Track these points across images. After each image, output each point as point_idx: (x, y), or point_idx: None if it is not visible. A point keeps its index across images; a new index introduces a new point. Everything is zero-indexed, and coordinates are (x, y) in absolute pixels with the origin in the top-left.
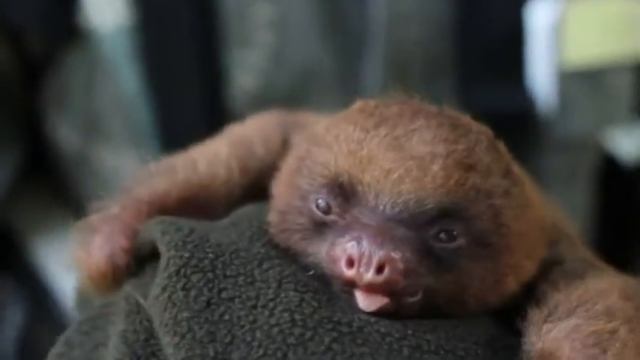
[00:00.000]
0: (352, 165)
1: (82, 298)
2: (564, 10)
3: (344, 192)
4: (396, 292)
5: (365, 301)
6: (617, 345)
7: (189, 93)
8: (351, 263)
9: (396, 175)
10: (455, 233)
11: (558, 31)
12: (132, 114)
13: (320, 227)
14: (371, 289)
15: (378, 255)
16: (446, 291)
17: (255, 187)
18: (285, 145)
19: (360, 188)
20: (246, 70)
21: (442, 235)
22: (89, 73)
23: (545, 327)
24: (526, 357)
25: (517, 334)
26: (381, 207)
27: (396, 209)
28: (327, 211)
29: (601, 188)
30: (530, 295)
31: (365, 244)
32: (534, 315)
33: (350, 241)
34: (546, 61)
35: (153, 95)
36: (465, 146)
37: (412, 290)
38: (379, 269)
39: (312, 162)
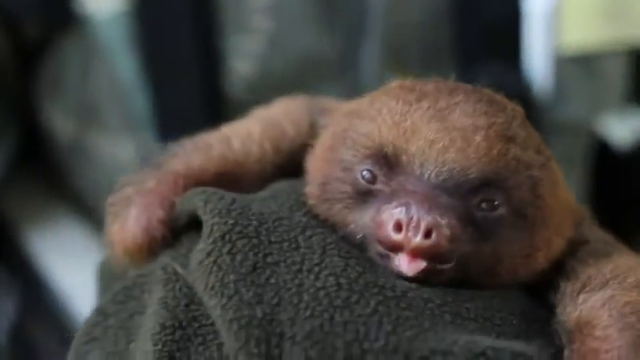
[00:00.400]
0: (397, 136)
1: (107, 272)
2: None
3: (389, 162)
4: (438, 257)
5: (406, 266)
6: None
7: (185, 79)
8: (399, 227)
9: (440, 145)
10: (496, 203)
11: (555, 16)
12: (128, 101)
13: (364, 195)
14: (416, 253)
15: (426, 220)
16: (481, 260)
17: (286, 166)
18: (312, 128)
19: (404, 158)
20: (243, 56)
21: (484, 205)
22: (85, 60)
23: (581, 297)
24: (561, 326)
25: (548, 309)
26: (427, 175)
27: (441, 178)
28: (371, 180)
29: (594, 173)
30: (558, 272)
31: (413, 209)
32: (567, 287)
33: (398, 206)
34: (543, 46)
35: (149, 82)
36: (503, 120)
37: (452, 256)
38: (427, 234)
39: (355, 134)
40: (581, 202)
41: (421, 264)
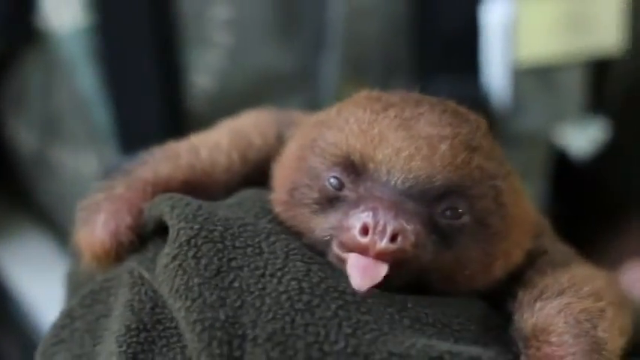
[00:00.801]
0: (364, 144)
1: (74, 281)
2: (518, 8)
3: (356, 169)
4: (402, 262)
5: (359, 280)
6: (606, 323)
7: (147, 94)
8: (365, 231)
9: (406, 152)
10: (460, 211)
11: (512, 28)
12: (90, 115)
13: (331, 201)
14: (381, 256)
15: (392, 225)
16: (442, 268)
17: (253, 176)
18: (279, 139)
19: (371, 165)
20: (204, 70)
21: (448, 212)
22: (47, 74)
23: (537, 305)
24: (518, 333)
25: (505, 317)
26: (393, 182)
27: (407, 185)
28: (339, 187)
29: (553, 184)
30: (517, 282)
31: (380, 214)
32: (525, 296)
33: (366, 210)
34: (500, 58)
35: (111, 96)
36: (467, 130)
37: (415, 262)
38: (392, 238)
39: (323, 143)
40: (541, 212)
41: (377, 277)
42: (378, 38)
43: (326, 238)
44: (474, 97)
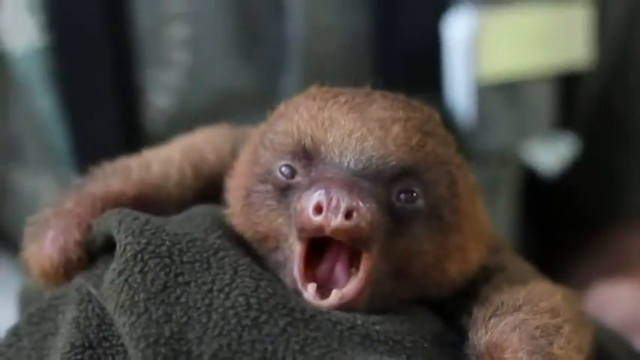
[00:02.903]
0: (314, 128)
1: (26, 299)
2: (481, 24)
3: (307, 154)
4: (358, 240)
5: (317, 299)
6: (562, 340)
7: (104, 114)
8: (319, 210)
9: (359, 134)
10: (415, 194)
11: (475, 44)
12: (48, 137)
13: (286, 191)
14: (336, 234)
15: (346, 202)
16: (394, 257)
17: (205, 192)
18: (234, 155)
19: (323, 148)
20: (162, 89)
21: (403, 195)
22: (3, 96)
23: (492, 321)
24: (472, 350)
25: (460, 334)
26: (346, 163)
27: (360, 165)
28: (291, 175)
29: (521, 200)
30: (472, 298)
31: (333, 192)
32: (480, 312)
33: (317, 190)
34: (464, 75)
35: (68, 117)
36: (420, 116)
37: (371, 243)
38: (347, 215)
39: (273, 134)
40: (509, 230)
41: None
42: (338, 56)
43: (286, 253)
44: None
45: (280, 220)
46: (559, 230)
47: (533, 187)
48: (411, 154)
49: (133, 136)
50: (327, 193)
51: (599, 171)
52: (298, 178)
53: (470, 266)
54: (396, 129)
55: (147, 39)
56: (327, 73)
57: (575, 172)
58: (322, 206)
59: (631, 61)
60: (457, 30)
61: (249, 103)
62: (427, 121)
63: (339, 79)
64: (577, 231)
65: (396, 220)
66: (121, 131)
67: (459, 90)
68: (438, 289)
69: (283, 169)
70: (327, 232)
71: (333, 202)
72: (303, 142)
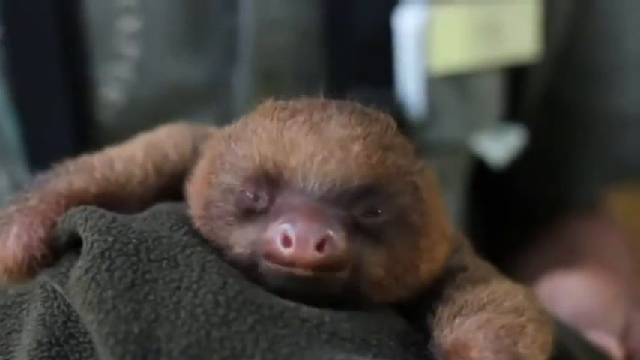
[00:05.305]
0: (275, 152)
1: None
2: (431, 16)
3: (270, 179)
4: (332, 267)
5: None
6: (527, 339)
7: (55, 108)
8: (287, 243)
9: (320, 157)
10: (380, 211)
11: (425, 36)
12: None
13: (248, 214)
14: (312, 267)
15: (315, 234)
16: (370, 269)
17: (168, 190)
18: (195, 152)
19: (286, 173)
20: (112, 83)
21: (368, 214)
22: None
23: (457, 320)
24: (437, 349)
25: (424, 333)
26: (309, 188)
27: (324, 189)
28: (254, 200)
29: (471, 192)
30: (436, 298)
31: (300, 224)
32: (444, 312)
33: (284, 222)
34: (414, 66)
35: (18, 112)
36: (378, 129)
37: (346, 265)
38: (318, 247)
39: (233, 157)
40: (459, 221)
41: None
42: (289, 49)
43: (246, 253)
44: (389, 107)
45: (241, 241)
46: (508, 222)
47: (483, 180)
48: (373, 172)
49: (83, 129)
50: (295, 226)
51: (547, 163)
52: (262, 204)
53: (437, 265)
54: (356, 148)
55: (98, 32)
56: (278, 66)
57: (523, 164)
58: (291, 239)
59: (576, 54)
60: (407, 23)
61: (200, 97)
62: (385, 134)
63: (291, 72)
64: (526, 223)
65: (366, 236)
66: (72, 125)
67: (410, 82)
68: (409, 293)
69: (247, 193)
70: (301, 266)
71: (302, 236)
72: (265, 168)
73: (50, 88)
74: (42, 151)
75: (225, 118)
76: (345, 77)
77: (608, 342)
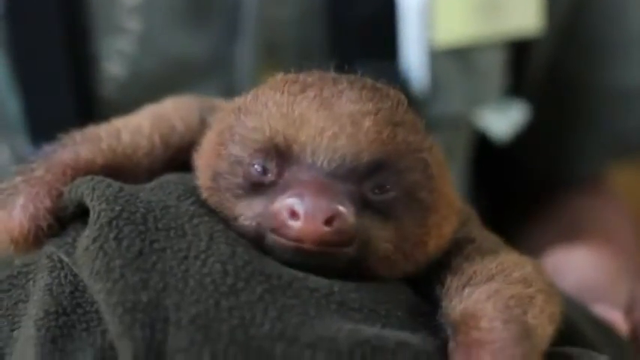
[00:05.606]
0: (286, 126)
1: None
2: None
3: (280, 153)
4: (340, 243)
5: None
6: (536, 309)
7: (57, 82)
8: (295, 217)
9: (330, 132)
10: (388, 187)
11: (428, 10)
12: (1, 105)
13: (256, 187)
14: (320, 242)
15: (325, 208)
16: (378, 244)
17: (175, 161)
18: (202, 124)
19: (295, 147)
20: (114, 57)
21: (377, 190)
22: None
23: (466, 290)
24: (446, 319)
25: (433, 304)
26: (319, 163)
27: (334, 165)
28: (263, 173)
29: (474, 166)
30: (444, 269)
31: (308, 198)
32: (453, 282)
33: (292, 196)
34: (418, 41)
35: (21, 85)
36: (389, 105)
37: (354, 241)
38: (327, 222)
39: (243, 130)
40: (463, 194)
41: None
42: (292, 22)
43: (252, 225)
44: (393, 81)
45: (247, 213)
46: (512, 197)
47: (486, 154)
48: (383, 148)
49: (86, 103)
50: (303, 201)
51: (550, 137)
52: (270, 177)
53: (444, 240)
54: (366, 123)
55: (99, 6)
56: (281, 40)
57: (526, 138)
58: (299, 214)
59: (580, 29)
60: None
61: (202, 70)
62: (396, 110)
63: (294, 46)
64: (529, 197)
65: (376, 211)
66: (74, 99)
67: (413, 57)
68: (416, 268)
69: (256, 167)
70: (309, 241)
71: (310, 210)
72: (275, 141)
73: (52, 62)
74: (44, 124)
75: (227, 91)
76: (348, 51)
77: (613, 315)
